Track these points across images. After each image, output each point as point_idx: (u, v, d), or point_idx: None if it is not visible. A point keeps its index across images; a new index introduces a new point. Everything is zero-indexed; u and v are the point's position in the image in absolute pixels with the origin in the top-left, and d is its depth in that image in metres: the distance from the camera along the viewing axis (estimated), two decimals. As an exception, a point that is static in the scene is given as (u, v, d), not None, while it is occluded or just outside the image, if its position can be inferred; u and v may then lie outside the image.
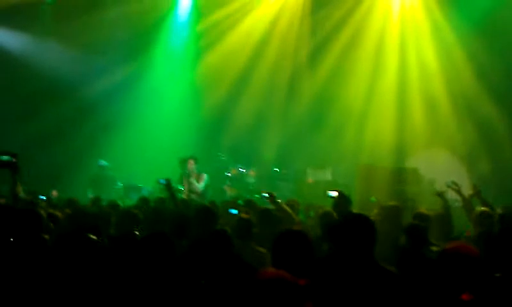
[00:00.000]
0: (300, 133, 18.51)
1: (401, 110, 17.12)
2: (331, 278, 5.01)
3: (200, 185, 15.28)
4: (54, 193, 14.55)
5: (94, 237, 5.98)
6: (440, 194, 9.93)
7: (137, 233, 6.77)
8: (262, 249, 7.51)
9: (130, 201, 14.41)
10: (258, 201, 11.90)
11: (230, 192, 16.73)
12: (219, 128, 18.79)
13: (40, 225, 7.06)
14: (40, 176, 15.79)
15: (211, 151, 18.04)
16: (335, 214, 8.63)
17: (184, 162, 15.61)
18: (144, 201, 11.41)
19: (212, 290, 5.42)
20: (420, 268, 5.25)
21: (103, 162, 17.65)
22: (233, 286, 5.01)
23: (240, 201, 11.85)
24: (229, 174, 17.45)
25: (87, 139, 18.76)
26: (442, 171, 15.79)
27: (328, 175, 16.95)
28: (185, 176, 15.42)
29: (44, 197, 12.34)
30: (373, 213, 9.12)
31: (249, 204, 10.68)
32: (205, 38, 19.34)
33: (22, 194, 10.65)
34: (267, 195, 10.17)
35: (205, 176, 15.52)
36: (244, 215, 8.19)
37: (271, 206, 9.71)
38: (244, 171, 17.54)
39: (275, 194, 10.17)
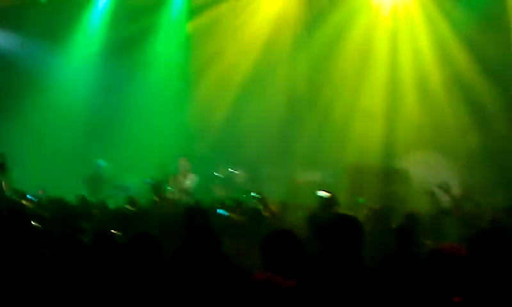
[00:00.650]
0: (289, 133, 18.43)
1: (391, 107, 17.02)
2: (320, 279, 4.98)
3: (189, 184, 15.23)
4: (40, 192, 14.46)
5: (85, 239, 5.96)
6: (431, 195, 9.95)
7: (118, 233, 6.70)
8: (251, 250, 7.46)
9: (118, 200, 14.31)
10: (247, 202, 11.84)
11: (218, 192, 16.67)
12: (207, 128, 18.73)
13: (25, 226, 7.01)
14: (29, 176, 15.72)
15: (200, 151, 17.97)
16: (322, 215, 8.61)
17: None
18: (131, 201, 11.31)
19: (201, 292, 5.37)
20: (410, 269, 5.22)
21: (101, 162, 17.56)
22: (222, 288, 4.96)
23: (228, 201, 11.81)
24: (218, 174, 17.38)
25: (80, 137, 18.77)
26: (432, 171, 15.80)
27: (317, 176, 16.90)
28: (174, 175, 15.37)
29: (33, 198, 12.26)
30: (361, 214, 9.11)
31: (238, 205, 10.64)
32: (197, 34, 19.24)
33: (8, 193, 10.58)
34: (256, 195, 10.15)
35: (193, 175, 15.48)
36: (233, 215, 8.17)
37: (259, 207, 9.69)
38: (233, 171, 17.47)
39: (264, 194, 10.15)
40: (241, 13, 18.83)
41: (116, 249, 6.19)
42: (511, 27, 16.31)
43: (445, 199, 11.03)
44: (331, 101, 17.70)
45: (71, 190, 14.63)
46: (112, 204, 11.25)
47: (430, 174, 15.60)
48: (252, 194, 10.63)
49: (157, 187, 10.12)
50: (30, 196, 12.36)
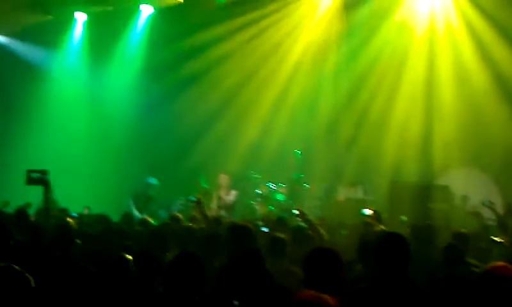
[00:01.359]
0: (330, 151, 18.37)
1: (432, 123, 16.84)
2: (366, 298, 4.92)
3: (231, 200, 15.23)
4: (86, 211, 14.58)
5: (129, 257, 5.97)
6: (476, 213, 9.78)
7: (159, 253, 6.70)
8: (294, 268, 7.42)
9: (160, 218, 14.33)
10: (289, 219, 11.77)
11: (260, 209, 16.65)
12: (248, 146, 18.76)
13: (69, 243, 7.09)
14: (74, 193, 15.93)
15: (242, 169, 17.96)
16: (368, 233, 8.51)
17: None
18: (175, 219, 11.29)
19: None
20: (459, 289, 5.13)
21: (152, 180, 17.62)
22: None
23: (271, 219, 11.75)
24: (259, 191, 17.36)
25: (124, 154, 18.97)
26: (474, 188, 15.61)
27: (359, 193, 16.78)
28: (216, 191, 15.38)
29: (76, 215, 12.37)
30: (404, 233, 8.99)
31: (280, 222, 10.57)
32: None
33: (53, 210, 10.68)
34: (297, 212, 10.10)
35: (235, 191, 15.47)
36: (278, 234, 8.12)
37: (302, 224, 9.63)
38: (275, 188, 17.44)
39: (306, 212, 10.09)
40: (287, 38, 18.88)
41: (159, 267, 6.19)
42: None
43: (488, 217, 10.86)
44: (372, 118, 17.63)
45: (115, 208, 14.79)
46: (156, 221, 11.26)
47: (472, 190, 15.43)
48: (294, 211, 10.55)
49: (200, 204, 10.06)
50: (74, 213, 12.50)
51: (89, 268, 6.82)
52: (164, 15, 19.28)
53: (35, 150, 17.79)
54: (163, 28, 19.21)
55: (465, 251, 7.32)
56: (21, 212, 10.63)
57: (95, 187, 18.11)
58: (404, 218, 12.69)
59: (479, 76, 16.46)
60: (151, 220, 10.68)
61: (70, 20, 19.69)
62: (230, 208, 15.15)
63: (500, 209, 10.48)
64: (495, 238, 8.92)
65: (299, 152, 17.59)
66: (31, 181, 9.08)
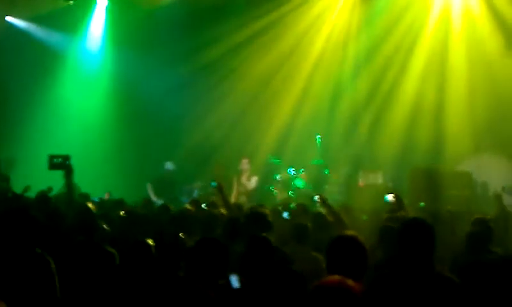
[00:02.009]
0: (350, 137, 18.33)
1: (453, 110, 16.74)
2: (391, 285, 4.90)
3: (252, 186, 15.23)
4: (107, 196, 14.64)
5: (151, 242, 5.99)
6: (497, 198, 9.71)
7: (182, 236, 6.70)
8: (317, 254, 7.42)
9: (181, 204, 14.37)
10: (310, 205, 11.76)
11: (280, 195, 16.64)
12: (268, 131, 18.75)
13: (92, 228, 7.13)
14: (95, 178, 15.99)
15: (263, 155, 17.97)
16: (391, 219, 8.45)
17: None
18: (195, 204, 11.33)
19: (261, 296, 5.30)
20: (484, 276, 5.09)
21: (169, 165, 17.66)
22: (281, 294, 4.91)
23: (292, 205, 11.75)
24: (279, 177, 17.35)
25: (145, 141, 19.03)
26: (495, 174, 15.52)
27: (379, 178, 16.73)
28: (235, 175, 15.39)
29: (97, 200, 12.43)
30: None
31: (301, 208, 10.56)
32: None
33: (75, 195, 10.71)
34: (318, 199, 10.07)
35: (255, 177, 15.47)
36: (300, 220, 8.12)
37: (322, 210, 9.61)
38: (295, 174, 17.42)
39: (326, 197, 10.06)
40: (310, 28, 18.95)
41: (181, 251, 6.21)
42: None
43: (509, 203, 10.79)
44: (391, 102, 17.59)
45: (135, 192, 14.83)
46: (176, 207, 11.27)
47: (492, 177, 15.34)
48: (315, 198, 10.51)
49: (221, 190, 10.06)
50: (95, 198, 12.55)
51: (112, 252, 6.88)
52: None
53: (55, 135, 17.87)
54: (185, 14, 19.19)
55: (488, 239, 7.27)
56: (42, 197, 10.70)
57: (115, 173, 18.17)
58: (421, 204, 12.62)
59: (501, 63, 16.40)
60: (171, 206, 10.68)
61: (91, 4, 19.70)
62: (251, 194, 15.16)
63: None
64: None
65: (319, 137, 17.58)
66: (53, 166, 9.11)
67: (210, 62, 19.05)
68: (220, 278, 5.32)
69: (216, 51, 18.95)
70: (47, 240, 6.07)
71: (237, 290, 5.32)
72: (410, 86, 17.51)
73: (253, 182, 15.43)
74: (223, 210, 9.70)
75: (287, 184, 17.17)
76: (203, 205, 11.08)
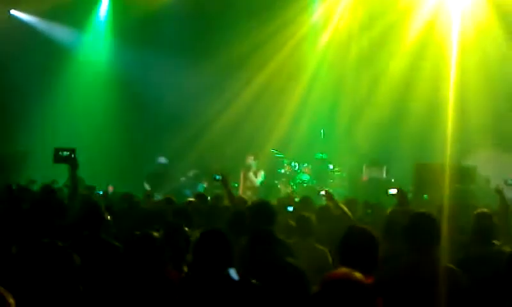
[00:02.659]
0: (354, 132, 18.35)
1: (459, 105, 16.73)
2: (401, 278, 4.93)
3: (257, 181, 15.25)
4: (110, 188, 14.67)
5: (156, 234, 5.99)
6: (499, 192, 9.72)
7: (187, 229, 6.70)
8: (321, 247, 7.44)
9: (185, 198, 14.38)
10: (314, 199, 11.78)
11: (284, 189, 16.66)
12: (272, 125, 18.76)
13: (99, 220, 7.14)
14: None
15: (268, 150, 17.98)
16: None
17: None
18: (200, 197, 11.33)
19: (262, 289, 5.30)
20: (488, 270, 5.11)
21: (162, 159, 17.70)
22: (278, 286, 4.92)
23: (296, 199, 11.76)
24: (283, 171, 17.36)
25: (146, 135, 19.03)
26: (498, 168, 15.53)
27: (383, 173, 16.74)
28: (242, 171, 15.41)
29: (101, 192, 12.45)
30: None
31: (305, 202, 10.56)
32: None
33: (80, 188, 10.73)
34: (323, 193, 10.08)
35: (262, 172, 15.49)
36: (304, 213, 8.13)
37: (327, 204, 9.62)
38: (298, 168, 17.43)
39: (330, 191, 10.09)
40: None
41: (186, 244, 6.22)
42: None
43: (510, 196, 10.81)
44: (397, 97, 17.57)
45: (135, 186, 14.87)
46: (179, 200, 11.27)
47: (497, 172, 15.34)
48: (321, 192, 10.54)
49: (226, 183, 10.04)
50: (99, 191, 12.58)
51: (118, 246, 6.89)
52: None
53: (60, 129, 17.91)
54: (189, 10, 19.20)
55: (492, 232, 7.27)
56: (47, 190, 10.70)
57: (117, 167, 18.20)
58: (426, 196, 12.63)
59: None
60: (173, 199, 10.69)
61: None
62: (256, 189, 15.18)
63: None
64: None
65: (322, 131, 17.60)
66: (59, 159, 9.10)
67: (214, 59, 19.04)
68: (225, 269, 5.32)
69: (221, 48, 19.00)
70: (51, 234, 6.07)
71: (236, 281, 5.31)
72: (415, 82, 17.51)
73: (259, 177, 15.44)
74: (226, 202, 9.72)
75: (291, 178, 17.18)
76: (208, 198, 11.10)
